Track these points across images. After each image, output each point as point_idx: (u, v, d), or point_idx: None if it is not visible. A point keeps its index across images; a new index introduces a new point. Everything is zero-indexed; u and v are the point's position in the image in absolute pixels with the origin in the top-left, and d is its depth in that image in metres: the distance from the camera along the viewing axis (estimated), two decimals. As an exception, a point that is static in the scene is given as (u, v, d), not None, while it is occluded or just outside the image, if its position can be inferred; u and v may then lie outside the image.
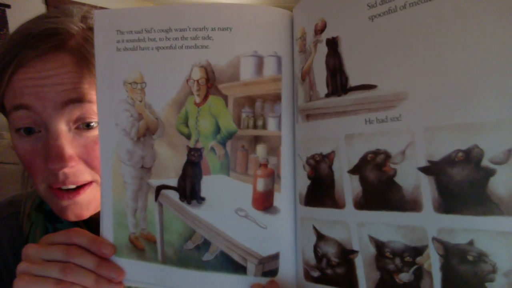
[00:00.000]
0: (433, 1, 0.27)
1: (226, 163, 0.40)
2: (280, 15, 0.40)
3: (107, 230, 0.44)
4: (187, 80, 0.40)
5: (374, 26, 0.30)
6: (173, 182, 0.42)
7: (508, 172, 0.26)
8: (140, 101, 0.42)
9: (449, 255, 0.29)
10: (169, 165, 0.42)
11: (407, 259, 0.31)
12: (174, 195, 0.42)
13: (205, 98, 0.40)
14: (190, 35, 0.39)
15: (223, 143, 0.40)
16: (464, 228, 0.28)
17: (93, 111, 0.48)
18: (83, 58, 0.48)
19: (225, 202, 0.41)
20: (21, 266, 0.42)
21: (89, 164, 0.49)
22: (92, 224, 0.54)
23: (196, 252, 0.42)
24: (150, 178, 0.43)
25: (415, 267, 0.31)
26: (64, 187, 0.50)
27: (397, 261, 0.32)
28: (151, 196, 0.43)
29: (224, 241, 0.41)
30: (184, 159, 0.41)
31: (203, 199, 0.41)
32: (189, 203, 0.41)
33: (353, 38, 0.32)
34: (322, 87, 0.35)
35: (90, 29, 0.52)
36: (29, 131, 0.49)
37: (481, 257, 0.27)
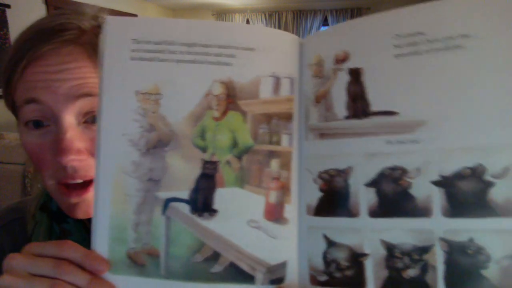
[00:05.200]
0: (453, 50, 0.35)
1: (241, 176, 0.42)
2: (292, 41, 0.44)
3: (101, 245, 0.41)
4: (207, 95, 0.41)
5: (399, 63, 0.37)
6: (184, 194, 0.42)
7: (505, 184, 0.34)
8: (154, 112, 0.41)
9: (452, 251, 0.36)
10: (182, 177, 0.42)
11: (415, 257, 0.38)
12: (184, 208, 0.42)
13: (224, 113, 0.42)
14: (214, 51, 0.41)
15: (239, 157, 0.42)
16: (466, 228, 0.36)
17: None
18: (95, 53, 0.49)
19: (237, 213, 0.42)
20: (3, 281, 0.38)
21: None
22: None
23: (205, 265, 0.42)
24: (159, 191, 0.42)
25: (421, 263, 0.38)
26: (72, 182, 0.50)
27: (406, 259, 0.38)
28: (158, 209, 0.42)
29: (235, 252, 0.42)
30: (197, 172, 0.42)
31: (215, 211, 0.42)
32: (200, 215, 0.42)
33: (377, 71, 0.38)
34: (340, 110, 0.40)
35: (100, 26, 0.52)
36: (38, 124, 0.50)
37: (479, 250, 0.35)
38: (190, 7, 6.92)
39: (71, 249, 0.40)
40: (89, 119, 0.51)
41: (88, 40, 0.51)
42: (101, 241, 0.42)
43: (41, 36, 0.49)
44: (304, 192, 0.43)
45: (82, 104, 0.49)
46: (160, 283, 0.42)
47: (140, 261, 0.42)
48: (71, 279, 0.39)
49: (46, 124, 0.50)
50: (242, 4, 6.69)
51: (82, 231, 0.58)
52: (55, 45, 0.49)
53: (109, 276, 0.41)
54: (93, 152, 0.50)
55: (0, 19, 3.16)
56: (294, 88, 0.43)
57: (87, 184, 0.52)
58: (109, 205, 0.42)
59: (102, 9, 0.56)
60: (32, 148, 0.51)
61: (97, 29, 0.52)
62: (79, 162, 0.49)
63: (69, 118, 0.49)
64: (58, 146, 0.48)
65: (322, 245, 0.42)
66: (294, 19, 6.75)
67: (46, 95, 0.48)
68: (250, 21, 6.88)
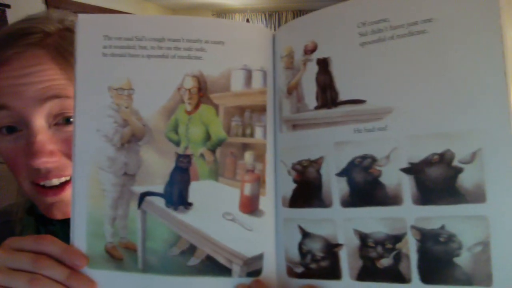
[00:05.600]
0: (416, 36, 0.34)
1: (215, 168, 0.42)
2: (264, 34, 0.44)
3: (80, 240, 0.42)
4: (179, 89, 0.41)
5: (365, 51, 0.36)
6: (159, 188, 0.42)
7: (473, 169, 0.33)
8: (127, 107, 0.41)
9: (424, 239, 0.36)
10: (156, 171, 0.42)
11: (388, 246, 0.37)
12: (159, 202, 0.42)
13: (196, 106, 0.42)
14: (184, 46, 0.41)
15: (212, 150, 0.42)
16: (437, 215, 0.35)
17: (71, 106, 0.47)
18: (60, 55, 0.50)
19: (212, 206, 0.42)
20: None
21: (71, 157, 0.48)
22: None
23: (181, 258, 0.42)
24: (134, 185, 0.42)
25: (395, 252, 0.37)
26: (48, 183, 0.50)
27: (379, 248, 0.38)
28: (134, 204, 0.42)
29: (211, 244, 0.42)
30: (172, 165, 0.42)
31: (190, 204, 0.42)
32: (175, 209, 0.42)
33: (344, 60, 0.38)
34: (311, 100, 0.40)
35: (67, 29, 0.53)
36: (11, 130, 0.50)
37: (451, 237, 0.35)
38: (190, 7, 6.89)
39: (50, 244, 0.41)
40: (60, 120, 0.51)
41: (52, 43, 0.51)
42: (79, 236, 0.42)
43: (5, 41, 0.50)
44: (280, 184, 0.43)
45: (51, 106, 0.50)
46: (137, 277, 0.42)
47: (117, 256, 0.42)
48: (50, 274, 0.39)
49: (19, 128, 0.51)
50: (242, 4, 6.65)
51: (68, 232, 0.59)
52: (18, 49, 0.49)
53: (88, 271, 0.42)
54: (66, 153, 0.50)
55: (0, 19, 3.16)
56: (267, 81, 0.43)
57: (62, 184, 0.52)
58: (86, 200, 0.42)
59: (67, 12, 0.56)
60: (6, 153, 0.52)
61: (63, 32, 0.52)
62: (53, 163, 0.49)
63: (39, 121, 0.49)
64: (30, 150, 0.49)
65: (297, 237, 0.42)
66: (294, 19, 6.64)
67: (14, 101, 0.49)
68: (250, 21, 6.81)
